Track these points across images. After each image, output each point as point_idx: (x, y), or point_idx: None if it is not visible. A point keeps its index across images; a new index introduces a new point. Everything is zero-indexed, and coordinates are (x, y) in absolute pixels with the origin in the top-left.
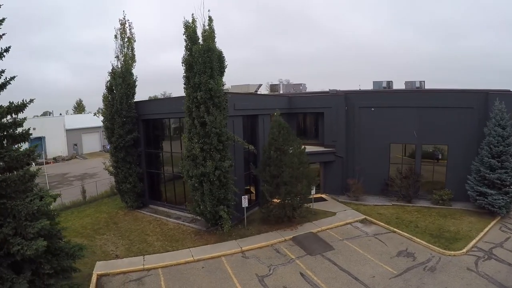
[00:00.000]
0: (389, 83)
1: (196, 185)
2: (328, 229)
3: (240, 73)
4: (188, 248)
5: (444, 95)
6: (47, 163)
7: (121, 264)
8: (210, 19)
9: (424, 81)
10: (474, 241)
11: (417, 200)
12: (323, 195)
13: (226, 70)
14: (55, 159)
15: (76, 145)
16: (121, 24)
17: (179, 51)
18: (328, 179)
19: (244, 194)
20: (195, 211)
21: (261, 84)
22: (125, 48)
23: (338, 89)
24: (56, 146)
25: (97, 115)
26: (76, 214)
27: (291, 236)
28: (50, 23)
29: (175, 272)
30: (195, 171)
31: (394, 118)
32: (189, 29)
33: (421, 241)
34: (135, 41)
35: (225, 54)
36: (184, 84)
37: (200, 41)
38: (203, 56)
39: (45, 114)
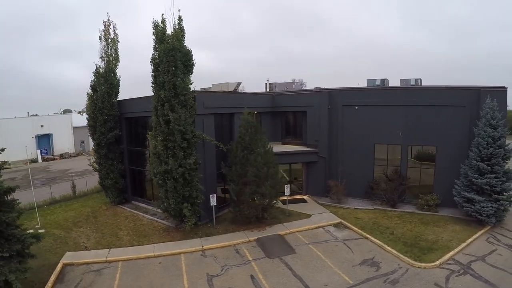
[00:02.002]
0: (384, 81)
1: (160, 182)
2: (297, 231)
3: (255, 73)
4: (153, 243)
5: (433, 92)
6: (54, 159)
7: (87, 255)
8: (180, 18)
9: (420, 79)
10: (451, 253)
11: (402, 205)
12: (305, 197)
13: (231, 69)
14: (62, 156)
15: (83, 142)
16: (104, 26)
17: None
18: (311, 180)
19: (216, 193)
20: (160, 208)
21: (240, 82)
22: (109, 49)
23: (323, 86)
24: (63, 143)
25: (81, 113)
26: (63, 207)
27: (256, 237)
28: (67, 23)
29: (133, 266)
30: (159, 168)
31: (379, 117)
32: (158, 30)
33: (392, 250)
34: (118, 41)
35: (237, 54)
36: (152, 83)
37: (175, 40)
38: (167, 55)
39: (67, 111)
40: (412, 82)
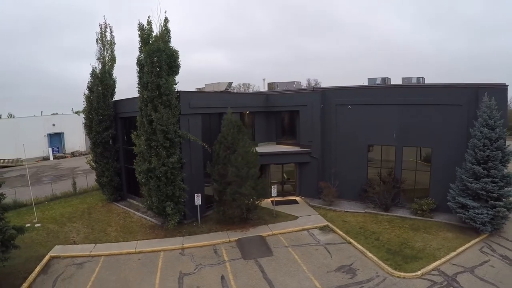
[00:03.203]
0: (385, 79)
1: (143, 180)
2: (280, 233)
3: (272, 72)
4: (137, 240)
5: (428, 91)
6: (65, 157)
7: (74, 249)
8: (166, 20)
9: (423, 77)
10: (437, 262)
11: (396, 209)
12: (297, 198)
13: (249, 69)
14: (73, 154)
15: None
16: (101, 29)
17: (207, 51)
18: (304, 181)
19: (203, 192)
20: (144, 205)
21: (232, 82)
22: (105, 51)
23: (318, 85)
24: (74, 141)
25: (78, 113)
26: (62, 203)
27: (237, 238)
28: (82, 25)
29: (113, 261)
30: (142, 167)
31: (372, 117)
32: (144, 32)
33: (373, 257)
34: (115, 44)
35: (251, 54)
36: (138, 83)
37: (160, 42)
38: (151, 57)
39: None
40: (414, 81)
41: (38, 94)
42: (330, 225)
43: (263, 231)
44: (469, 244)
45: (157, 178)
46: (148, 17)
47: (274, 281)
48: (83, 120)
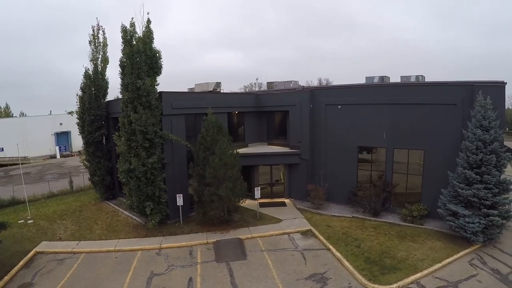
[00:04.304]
0: (383, 78)
1: (124, 180)
2: (259, 237)
3: (284, 72)
4: (118, 239)
5: (421, 90)
6: (71, 155)
7: (59, 246)
8: (148, 21)
9: (422, 76)
10: (418, 275)
11: (386, 214)
12: (286, 200)
13: (262, 69)
14: (80, 152)
15: None
16: (93, 31)
17: (221, 51)
18: (293, 183)
19: (188, 193)
20: (126, 205)
21: (219, 82)
22: (97, 53)
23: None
24: (80, 140)
25: (71, 114)
26: (58, 201)
27: (215, 240)
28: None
29: (92, 258)
30: (123, 167)
31: (363, 117)
32: (126, 34)
33: (349, 266)
34: (107, 45)
35: (264, 53)
36: (120, 85)
37: (140, 43)
38: (131, 58)
39: None
40: (413, 79)
41: (52, 94)
42: (313, 229)
43: (243, 233)
44: (458, 255)
45: (137, 178)
46: (132, 18)
47: (239, 286)
48: (77, 120)
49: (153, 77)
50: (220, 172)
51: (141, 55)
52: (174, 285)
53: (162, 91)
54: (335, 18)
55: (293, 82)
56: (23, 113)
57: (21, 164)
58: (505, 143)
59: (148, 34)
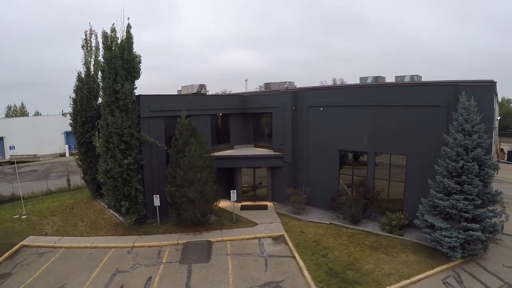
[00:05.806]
0: (378, 78)
1: (102, 180)
2: (230, 240)
3: (299, 72)
4: (97, 236)
5: (404, 91)
6: (76, 154)
7: (43, 240)
8: (129, 26)
9: (417, 75)
10: None
11: (367, 222)
12: (269, 203)
13: (278, 68)
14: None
15: None
16: (85, 36)
17: (236, 51)
18: (276, 186)
19: (163, 193)
20: (105, 204)
21: (204, 84)
22: (90, 57)
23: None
24: None
25: (65, 115)
26: (54, 198)
27: (185, 241)
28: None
29: (69, 253)
30: (101, 168)
31: (343, 120)
32: (107, 39)
33: (307, 276)
34: (99, 49)
35: (280, 53)
36: (101, 88)
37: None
38: (109, 63)
39: None
40: (408, 79)
41: (68, 92)
42: (285, 235)
43: (215, 236)
44: (432, 271)
45: (114, 179)
46: (113, 24)
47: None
48: (69, 121)
49: (131, 81)
50: (189, 174)
51: (118, 60)
52: (133, 283)
53: (140, 94)
54: (358, 17)
55: (287, 83)
56: (38, 112)
57: (32, 161)
58: (503, 145)
59: (128, 39)
